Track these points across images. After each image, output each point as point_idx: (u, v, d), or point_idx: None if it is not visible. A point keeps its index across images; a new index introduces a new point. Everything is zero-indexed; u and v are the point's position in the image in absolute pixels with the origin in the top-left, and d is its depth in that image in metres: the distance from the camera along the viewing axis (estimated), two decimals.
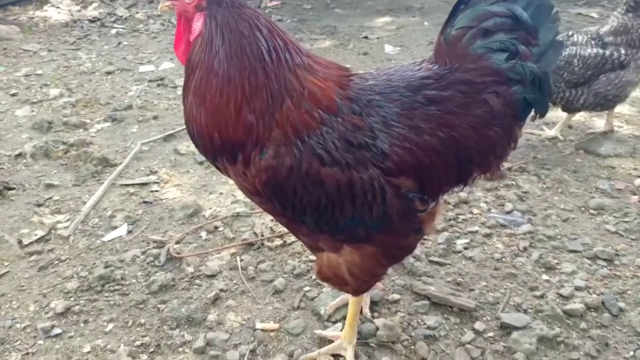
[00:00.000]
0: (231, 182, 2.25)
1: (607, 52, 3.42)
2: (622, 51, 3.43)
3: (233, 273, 2.57)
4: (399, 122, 1.70)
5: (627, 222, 2.89)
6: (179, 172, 3.49)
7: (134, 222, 2.97)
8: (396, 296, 2.38)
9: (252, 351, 2.14)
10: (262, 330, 2.23)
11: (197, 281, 2.52)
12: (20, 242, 2.79)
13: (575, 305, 2.30)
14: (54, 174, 3.45)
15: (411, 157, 1.70)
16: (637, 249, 2.68)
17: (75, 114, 4.30)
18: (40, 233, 2.86)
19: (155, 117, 4.27)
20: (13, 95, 4.70)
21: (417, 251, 2.55)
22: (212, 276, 2.54)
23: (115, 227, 2.92)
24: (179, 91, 4.63)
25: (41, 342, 2.21)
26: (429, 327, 2.22)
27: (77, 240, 2.83)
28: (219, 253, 2.71)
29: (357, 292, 1.99)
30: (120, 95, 4.72)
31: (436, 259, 2.62)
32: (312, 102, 1.63)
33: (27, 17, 7.04)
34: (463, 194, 3.07)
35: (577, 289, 2.41)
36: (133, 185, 3.32)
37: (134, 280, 2.53)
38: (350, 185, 1.64)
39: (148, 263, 2.64)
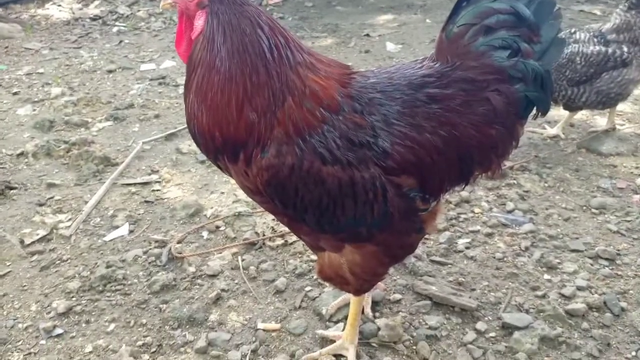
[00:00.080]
0: (232, 181, 2.24)
1: (610, 50, 3.40)
2: (625, 49, 3.41)
3: (234, 273, 2.57)
4: (400, 121, 1.70)
5: (629, 221, 2.88)
6: (181, 172, 3.49)
7: (136, 222, 2.97)
8: (398, 296, 2.38)
9: (254, 351, 2.13)
10: (263, 330, 2.23)
11: (199, 281, 2.52)
12: (22, 241, 2.79)
13: (577, 305, 2.30)
14: (55, 174, 3.45)
15: (413, 156, 1.69)
16: (639, 248, 2.68)
17: (76, 113, 4.29)
18: (42, 233, 2.85)
19: (156, 116, 4.26)
20: (15, 94, 4.69)
21: (418, 251, 2.55)
22: (214, 276, 2.54)
23: (116, 227, 2.92)
24: (181, 90, 4.60)
25: (43, 342, 2.21)
26: (430, 327, 2.21)
27: (78, 239, 2.83)
28: (221, 253, 2.71)
29: (358, 291, 1.98)
30: (121, 94, 4.71)
31: (437, 258, 2.61)
32: (313, 101, 1.63)
33: (28, 15, 7.04)
34: (464, 193, 3.06)
35: (579, 288, 2.40)
36: (134, 184, 3.32)
37: (135, 280, 2.53)
38: (352, 184, 1.64)
39: (150, 263, 2.64)
